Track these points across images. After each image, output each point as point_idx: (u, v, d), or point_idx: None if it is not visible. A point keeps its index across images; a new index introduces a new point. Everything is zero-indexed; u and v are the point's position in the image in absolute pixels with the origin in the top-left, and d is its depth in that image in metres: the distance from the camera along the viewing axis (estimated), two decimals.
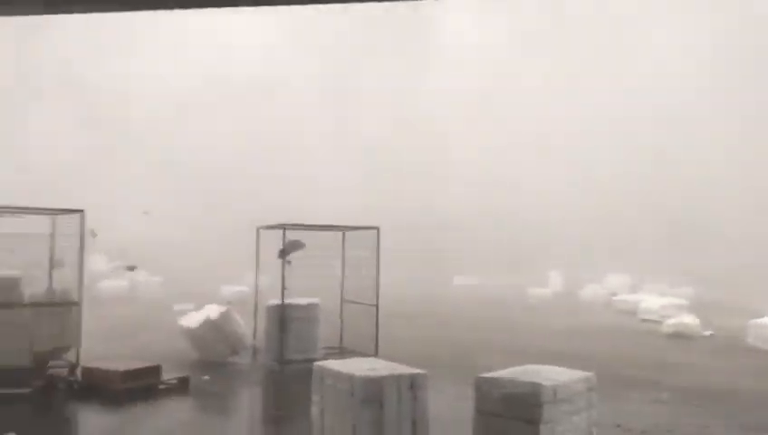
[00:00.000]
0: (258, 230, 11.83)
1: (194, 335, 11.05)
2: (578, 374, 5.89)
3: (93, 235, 20.03)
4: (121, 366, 8.82)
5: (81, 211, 9.79)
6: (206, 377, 9.32)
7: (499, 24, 40.89)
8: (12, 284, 9.30)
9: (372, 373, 6.03)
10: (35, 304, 9.42)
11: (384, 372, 6.11)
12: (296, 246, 11.02)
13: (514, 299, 26.97)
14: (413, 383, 6.12)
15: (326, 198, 34.77)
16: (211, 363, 10.84)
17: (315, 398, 6.77)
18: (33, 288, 9.73)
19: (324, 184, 36.67)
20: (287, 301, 10.76)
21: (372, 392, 5.91)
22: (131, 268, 21.62)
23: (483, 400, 5.73)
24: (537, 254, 35.48)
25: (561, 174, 39.37)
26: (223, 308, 11.31)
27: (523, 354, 12.13)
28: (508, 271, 33.81)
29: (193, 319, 11.25)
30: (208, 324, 10.95)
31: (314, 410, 6.78)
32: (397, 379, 6.05)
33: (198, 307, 15.31)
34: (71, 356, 9.44)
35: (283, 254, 10.87)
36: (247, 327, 11.70)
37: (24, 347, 9.28)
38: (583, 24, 40.53)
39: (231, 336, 11.09)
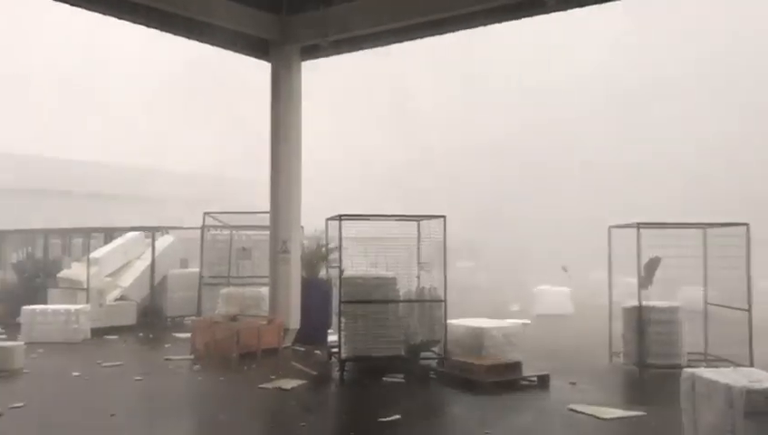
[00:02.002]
0: (610, 229, 11.56)
1: None
2: None
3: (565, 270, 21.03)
4: (486, 361, 9.41)
5: (443, 217, 10.66)
6: (573, 382, 9.36)
7: None
8: (389, 283, 10.53)
9: (756, 385, 5.53)
10: (408, 301, 10.54)
11: None
12: (655, 265, 10.49)
13: None
14: None
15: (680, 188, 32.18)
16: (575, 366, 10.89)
17: (684, 406, 6.44)
18: (407, 287, 10.87)
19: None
20: (646, 303, 10.35)
21: (757, 405, 5.42)
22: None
23: None
24: None
25: None
26: None
27: None
28: None
29: None
30: None
31: (684, 419, 6.45)
32: None
33: None
34: (439, 348, 10.32)
35: (647, 281, 10.42)
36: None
37: (400, 339, 10.44)
38: None
39: None
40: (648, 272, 10.58)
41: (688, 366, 7.92)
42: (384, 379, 9.62)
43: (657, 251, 10.59)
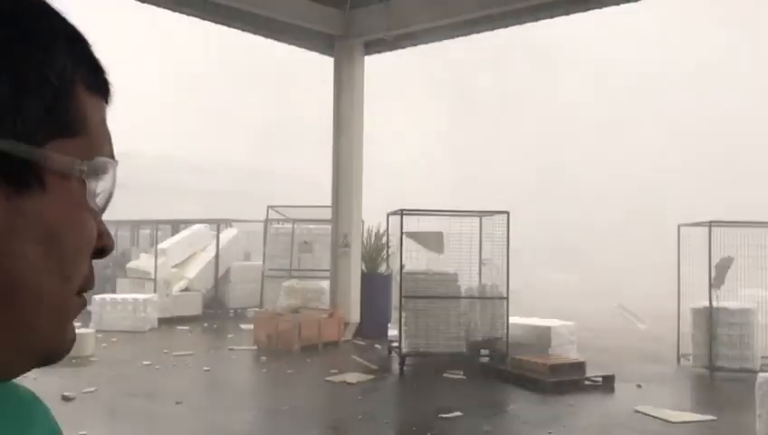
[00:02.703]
0: (679, 228, 11.21)
1: None
2: None
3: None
4: (549, 360, 9.26)
5: (507, 212, 10.54)
6: (639, 384, 9.10)
7: None
8: (450, 278, 10.47)
9: None
10: (470, 298, 10.46)
11: None
12: (726, 265, 10.11)
13: None
14: None
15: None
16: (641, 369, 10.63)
17: (760, 411, 6.20)
18: (469, 283, 10.79)
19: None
20: (716, 304, 10.00)
21: None
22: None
23: None
24: None
25: None
26: None
27: None
28: None
29: None
30: None
31: (759, 426, 6.21)
32: None
33: None
34: (500, 346, 10.21)
35: (719, 281, 10.06)
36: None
37: (461, 336, 10.38)
38: None
39: None
40: (719, 272, 10.22)
41: (762, 370, 7.61)
42: (444, 375, 9.57)
43: (730, 251, 10.23)
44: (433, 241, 10.54)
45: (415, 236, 10.54)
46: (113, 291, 15.95)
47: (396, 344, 10.48)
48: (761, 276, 10.41)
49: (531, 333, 10.41)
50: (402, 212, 10.43)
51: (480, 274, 11.20)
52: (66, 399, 7.72)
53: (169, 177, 33.09)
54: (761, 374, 6.32)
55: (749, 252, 10.30)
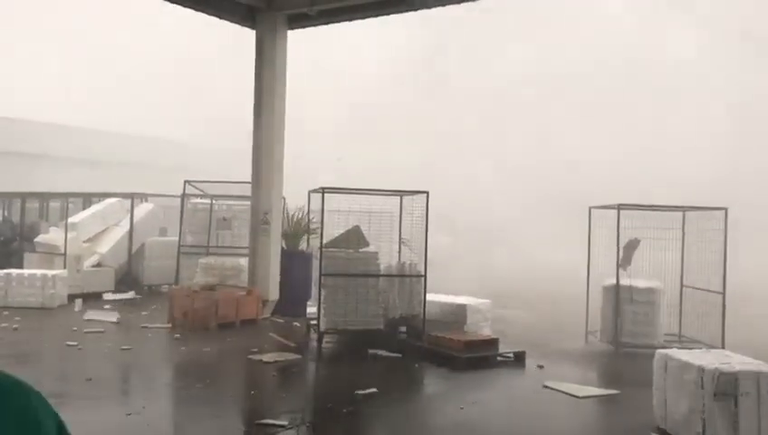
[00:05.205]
0: (590, 210, 11.63)
1: None
2: None
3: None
4: (463, 337, 9.49)
5: (426, 192, 10.66)
6: (541, 365, 9.34)
7: None
8: (370, 257, 10.54)
9: (726, 367, 5.63)
10: (389, 275, 10.56)
11: (740, 367, 5.66)
12: (633, 247, 10.59)
13: None
14: None
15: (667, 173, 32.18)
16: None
17: (656, 386, 6.55)
18: (388, 261, 10.88)
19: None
20: (625, 282, 10.47)
21: (726, 387, 5.52)
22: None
23: None
24: None
25: None
26: None
27: None
28: None
29: None
30: None
31: (655, 398, 6.56)
32: (756, 375, 5.56)
33: None
34: (417, 323, 10.36)
35: (626, 262, 10.52)
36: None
37: (379, 313, 10.48)
38: None
39: None
40: (626, 253, 10.68)
41: (663, 347, 8.03)
42: (362, 352, 9.66)
43: (638, 233, 10.70)
44: (354, 239, 10.58)
45: (335, 243, 10.55)
46: (20, 266, 15.28)
47: (315, 322, 10.49)
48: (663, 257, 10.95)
49: (447, 311, 10.62)
50: (323, 190, 10.40)
51: (399, 252, 11.32)
52: None
53: (82, 147, 31.76)
54: (659, 351, 6.68)
55: (654, 234, 10.81)
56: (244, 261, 13.95)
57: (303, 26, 13.43)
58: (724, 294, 10.39)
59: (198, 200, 16.86)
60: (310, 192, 11.36)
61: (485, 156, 37.67)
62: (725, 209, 10.57)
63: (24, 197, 19.64)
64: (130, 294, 14.96)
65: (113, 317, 11.84)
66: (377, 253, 10.64)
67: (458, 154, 38.77)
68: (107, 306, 13.30)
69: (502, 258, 26.83)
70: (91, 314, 11.99)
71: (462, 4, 12.26)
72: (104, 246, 16.12)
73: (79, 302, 13.28)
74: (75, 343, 9.72)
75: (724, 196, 12.67)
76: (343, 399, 7.26)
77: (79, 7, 41.44)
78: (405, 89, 39.02)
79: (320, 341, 10.15)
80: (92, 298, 14.08)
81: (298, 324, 11.79)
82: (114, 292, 15.07)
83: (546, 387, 8.00)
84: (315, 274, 11.21)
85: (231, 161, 22.48)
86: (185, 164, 28.05)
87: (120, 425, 6.28)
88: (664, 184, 26.14)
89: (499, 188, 34.69)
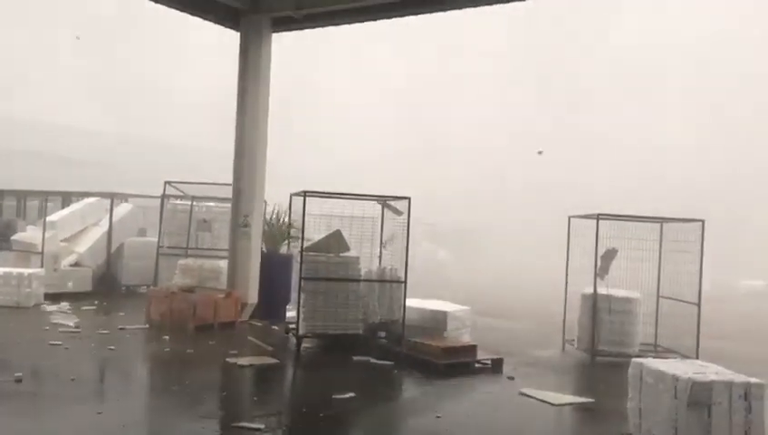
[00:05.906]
0: (570, 219, 11.71)
1: None
2: None
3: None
4: (442, 343, 9.51)
5: (408, 198, 10.68)
6: (512, 377, 9.28)
7: None
8: (351, 261, 10.52)
9: (700, 377, 5.70)
10: (369, 280, 10.55)
11: (713, 377, 5.73)
12: (611, 256, 10.68)
13: None
14: (747, 392, 5.64)
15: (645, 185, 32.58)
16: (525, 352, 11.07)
17: (631, 394, 6.61)
18: (369, 266, 10.87)
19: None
20: (602, 291, 10.55)
21: (700, 397, 5.59)
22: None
23: None
24: None
25: None
26: None
27: None
28: None
29: None
30: None
31: (630, 406, 6.63)
32: (728, 385, 5.63)
33: None
34: (397, 329, 10.35)
35: (603, 271, 10.60)
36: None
37: (359, 318, 10.46)
38: None
39: None
40: (604, 262, 10.77)
41: (638, 356, 8.10)
42: (340, 357, 9.64)
43: (616, 242, 10.79)
44: (335, 244, 10.57)
45: (315, 247, 10.53)
46: None
47: (293, 326, 10.45)
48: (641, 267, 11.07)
49: (427, 317, 10.63)
50: (305, 194, 10.38)
51: (380, 257, 11.33)
52: None
53: (63, 146, 31.49)
54: (634, 360, 6.74)
55: (632, 244, 10.92)
56: (223, 263, 13.87)
57: (288, 29, 13.43)
58: (699, 305, 10.52)
59: (178, 202, 16.75)
60: (292, 195, 11.33)
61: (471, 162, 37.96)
62: (702, 221, 10.72)
63: (1, 194, 19.41)
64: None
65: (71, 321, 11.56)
66: (358, 257, 10.63)
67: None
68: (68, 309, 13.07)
69: (484, 265, 26.98)
70: (57, 318, 11.82)
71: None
72: (82, 246, 15.97)
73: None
74: (58, 342, 9.62)
75: None
76: (320, 403, 7.25)
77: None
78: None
79: (298, 345, 10.11)
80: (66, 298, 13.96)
81: (277, 328, 11.76)
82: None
83: (522, 394, 8.05)
84: (295, 277, 11.17)
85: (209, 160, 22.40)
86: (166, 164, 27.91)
87: (93, 425, 6.22)
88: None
89: (480, 188, 34.94)
